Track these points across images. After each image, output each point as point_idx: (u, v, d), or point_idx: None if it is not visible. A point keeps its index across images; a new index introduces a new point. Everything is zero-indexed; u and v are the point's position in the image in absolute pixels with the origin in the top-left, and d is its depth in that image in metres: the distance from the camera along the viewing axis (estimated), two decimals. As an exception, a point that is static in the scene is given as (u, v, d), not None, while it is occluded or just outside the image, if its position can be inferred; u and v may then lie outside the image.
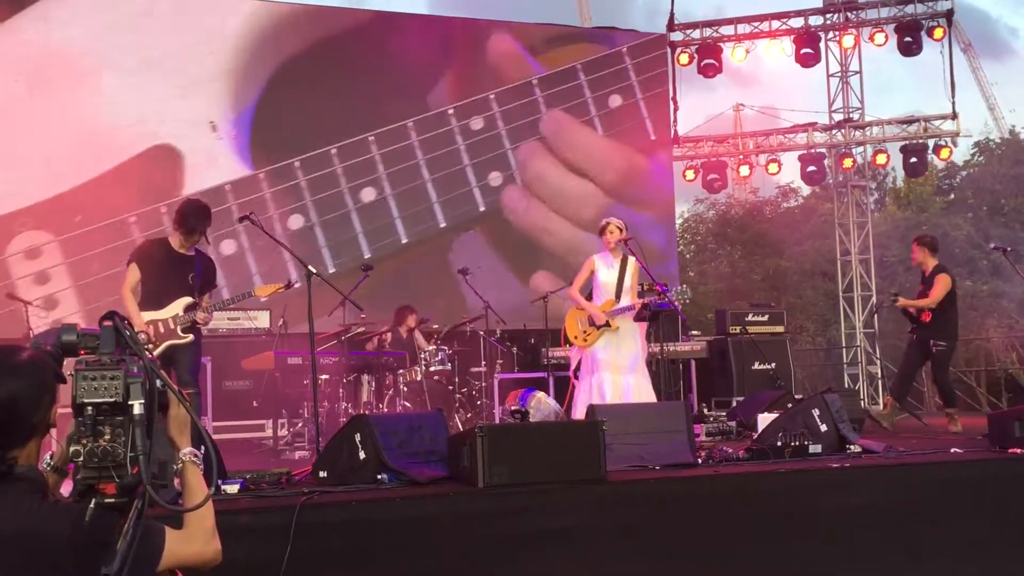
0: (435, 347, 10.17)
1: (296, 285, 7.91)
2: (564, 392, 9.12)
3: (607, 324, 8.35)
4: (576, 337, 8.45)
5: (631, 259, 8.60)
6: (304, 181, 11.94)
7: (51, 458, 2.50)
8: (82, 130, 11.08)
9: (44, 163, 10.89)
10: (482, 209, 12.96)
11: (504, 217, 13.21)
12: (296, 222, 11.86)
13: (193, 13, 11.88)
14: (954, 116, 16.16)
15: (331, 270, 11.82)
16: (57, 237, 10.81)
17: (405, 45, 13.02)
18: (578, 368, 8.59)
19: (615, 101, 14.76)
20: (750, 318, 13.06)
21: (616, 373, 8.30)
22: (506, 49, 13.78)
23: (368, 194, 12.24)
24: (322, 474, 6.04)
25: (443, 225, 12.49)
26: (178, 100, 11.61)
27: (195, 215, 7.16)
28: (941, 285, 9.70)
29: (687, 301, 9.24)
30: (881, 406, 9.24)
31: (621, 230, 8.52)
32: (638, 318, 8.86)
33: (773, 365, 12.28)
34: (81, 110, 11.15)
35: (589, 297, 8.66)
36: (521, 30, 14.41)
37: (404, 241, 12.44)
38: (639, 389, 8.34)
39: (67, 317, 10.30)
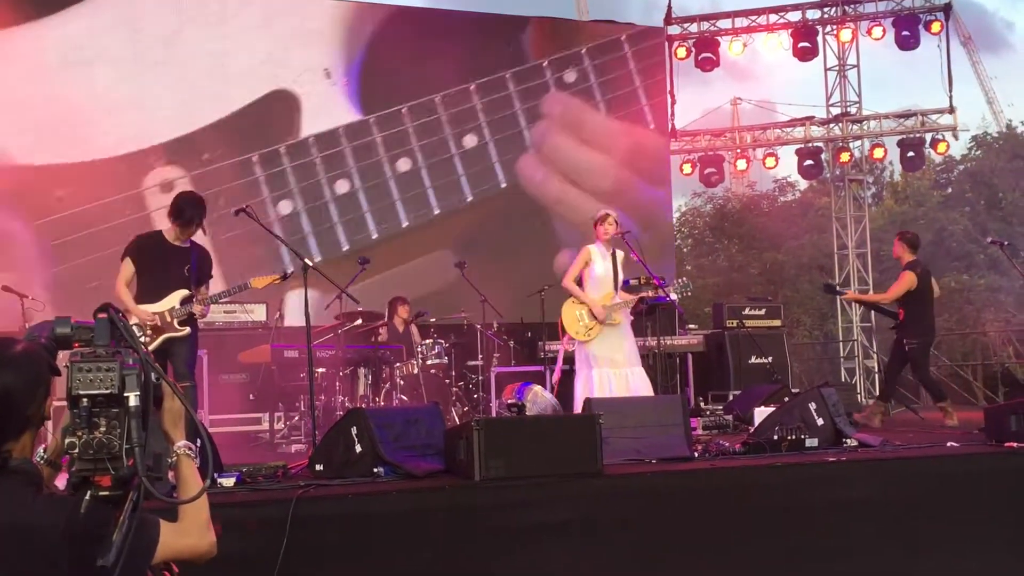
0: (432, 340, 10.17)
1: (290, 271, 7.90)
2: (561, 386, 9.12)
3: (610, 317, 8.30)
4: (577, 332, 8.36)
5: (618, 252, 8.57)
6: (411, 127, 12.79)
7: (44, 451, 2.49)
8: (210, 73, 12.05)
9: (177, 103, 11.84)
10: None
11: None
12: (404, 165, 12.78)
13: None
14: (951, 110, 16.16)
15: (435, 211, 12.90)
16: (188, 173, 11.71)
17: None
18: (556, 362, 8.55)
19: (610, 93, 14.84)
20: (747, 312, 13.06)
21: (620, 367, 8.27)
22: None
23: (470, 140, 13.18)
24: (318, 467, 6.04)
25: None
26: (297, 49, 12.60)
27: (192, 206, 7.13)
28: (902, 282, 9.71)
29: (688, 294, 9.21)
30: (864, 411, 9.25)
31: (618, 223, 8.49)
32: (635, 312, 8.85)
33: (770, 359, 12.28)
34: (210, 55, 12.09)
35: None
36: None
37: (503, 185, 13.48)
38: (643, 380, 8.33)
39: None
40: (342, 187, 12.49)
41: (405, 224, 12.73)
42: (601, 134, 14.45)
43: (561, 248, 13.62)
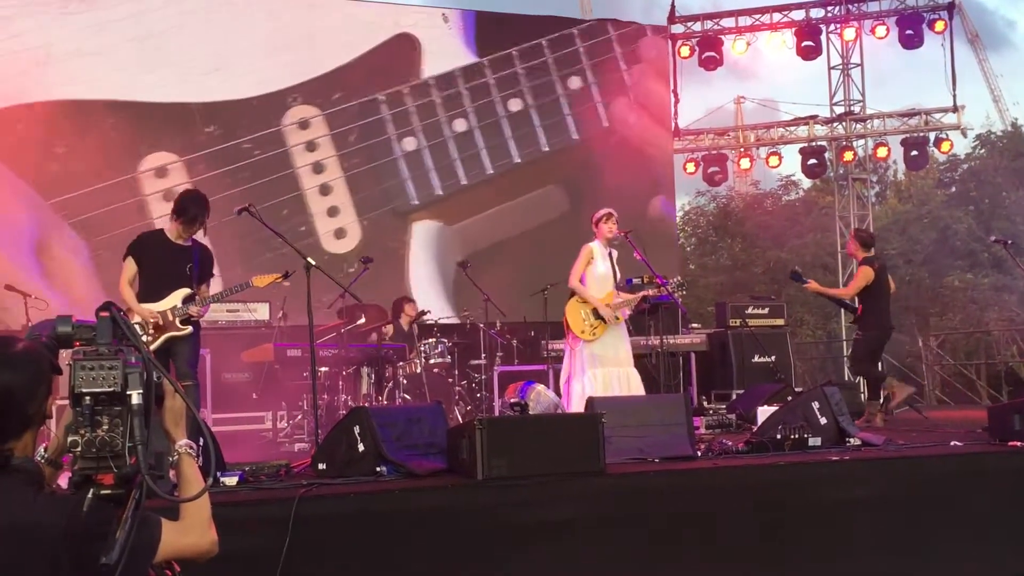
0: (435, 339, 10.17)
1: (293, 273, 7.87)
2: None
3: (615, 317, 8.30)
4: (583, 331, 8.36)
5: (614, 252, 8.58)
6: (520, 69, 13.56)
7: (45, 450, 2.49)
8: (339, 17, 12.89)
9: (310, 46, 12.63)
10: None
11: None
12: (515, 105, 13.54)
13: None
14: (955, 109, 16.15)
15: (544, 148, 13.67)
16: (321, 112, 12.50)
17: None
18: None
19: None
20: (750, 311, 13.06)
21: (620, 366, 8.27)
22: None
23: (574, 82, 13.96)
24: (321, 466, 6.04)
25: None
26: None
27: (196, 204, 7.12)
28: (858, 277, 9.76)
29: (683, 293, 9.22)
30: (864, 417, 9.23)
31: (619, 222, 8.49)
32: (638, 310, 8.85)
33: (773, 358, 12.28)
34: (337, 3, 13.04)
35: None
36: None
37: (605, 124, 14.28)
38: (638, 381, 8.34)
39: (333, 180, 12.51)
40: (460, 126, 13.20)
41: (517, 161, 13.41)
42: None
43: (657, 193, 14.89)
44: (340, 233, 12.43)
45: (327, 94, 12.53)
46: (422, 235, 12.67)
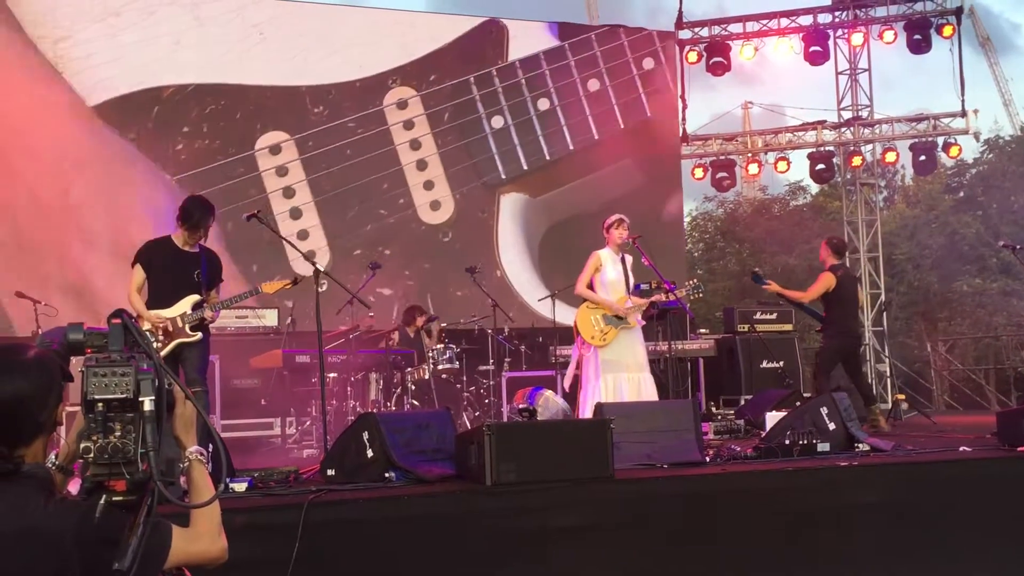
0: (443, 345, 10.18)
1: (302, 279, 7.87)
2: (572, 390, 9.11)
3: (625, 321, 8.28)
4: (593, 337, 8.34)
5: (628, 257, 8.57)
6: (599, 51, 14.51)
7: (56, 457, 2.50)
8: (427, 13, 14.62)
9: (406, 32, 13.71)
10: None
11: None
12: (594, 85, 14.41)
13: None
14: (964, 114, 16.13)
15: (621, 125, 14.55)
16: (418, 93, 13.58)
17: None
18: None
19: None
20: (758, 316, 13.05)
21: (633, 371, 8.25)
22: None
23: (649, 63, 14.93)
24: (330, 472, 6.05)
25: None
26: None
27: (200, 211, 7.14)
28: (819, 282, 9.74)
29: (699, 296, 9.21)
30: (868, 423, 9.18)
31: (629, 228, 8.49)
32: (646, 316, 8.83)
33: (781, 363, 12.27)
34: None
35: None
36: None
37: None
38: (652, 386, 8.32)
39: (429, 156, 13.54)
40: (543, 104, 14.07)
41: (597, 137, 14.34)
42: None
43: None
44: (435, 205, 13.47)
45: (423, 76, 13.61)
46: (509, 207, 13.69)
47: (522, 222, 13.83)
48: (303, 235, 12.39)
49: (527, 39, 14.05)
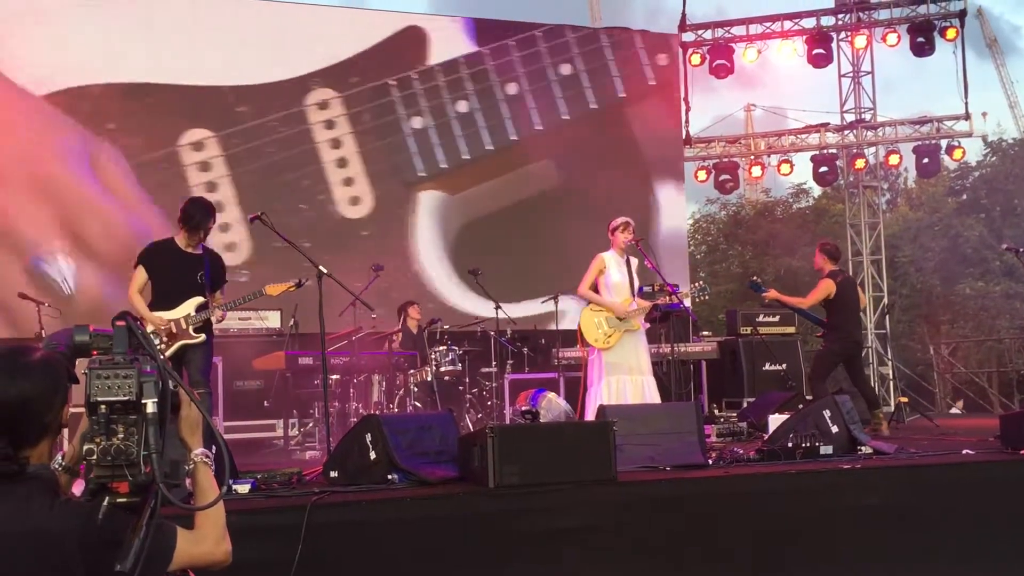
0: (445, 347, 10.19)
1: (307, 282, 7.86)
2: (574, 393, 9.11)
3: (629, 323, 8.28)
4: (597, 340, 8.33)
5: (633, 259, 8.57)
6: (516, 56, 14.69)
7: (62, 458, 2.51)
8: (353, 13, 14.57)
9: (329, 34, 13.85)
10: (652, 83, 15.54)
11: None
12: (512, 89, 14.57)
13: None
14: (967, 116, 16.12)
15: (538, 127, 14.61)
16: (340, 94, 13.74)
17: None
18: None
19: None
20: (761, 319, 13.05)
21: (636, 374, 8.25)
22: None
23: (566, 68, 14.88)
24: (333, 474, 6.05)
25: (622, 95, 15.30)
26: None
27: (200, 212, 7.16)
28: (819, 289, 9.71)
29: (705, 298, 9.22)
30: (870, 426, 9.16)
31: (634, 231, 8.48)
32: (649, 319, 8.83)
33: (784, 366, 12.27)
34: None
35: None
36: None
37: (593, 106, 15.06)
38: (655, 389, 8.32)
39: (349, 155, 13.64)
40: (462, 107, 14.38)
41: (513, 138, 14.52)
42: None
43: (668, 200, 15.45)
44: (355, 200, 13.69)
45: (344, 79, 13.75)
46: (426, 204, 13.97)
47: (439, 219, 14.12)
48: (224, 228, 12.53)
49: (448, 43, 14.34)
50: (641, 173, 15.02)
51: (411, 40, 14.20)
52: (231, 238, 12.71)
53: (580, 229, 12.93)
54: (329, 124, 13.67)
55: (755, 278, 10.61)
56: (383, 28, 14.14)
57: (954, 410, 13.99)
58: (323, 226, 13.09)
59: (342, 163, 13.63)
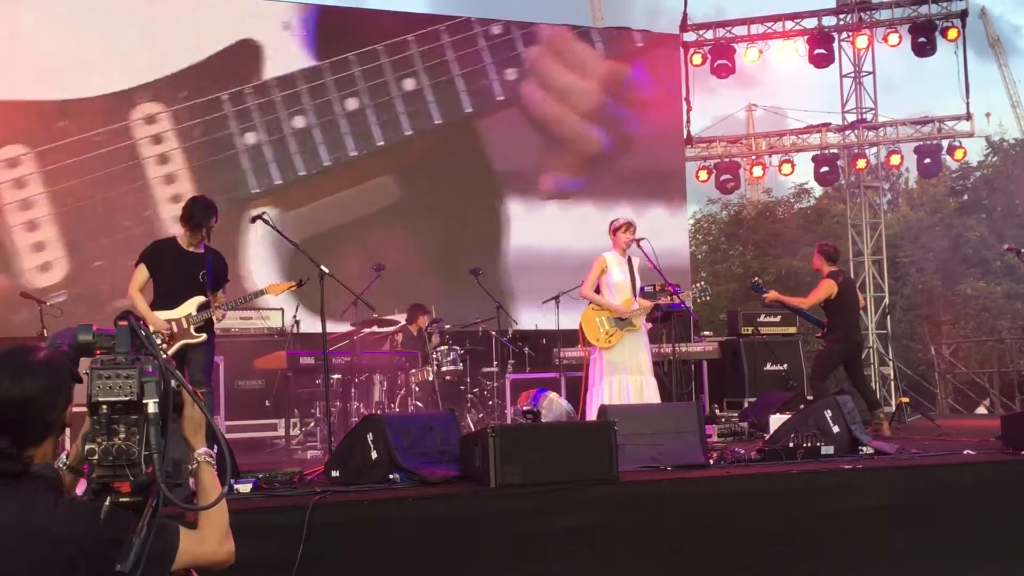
0: (447, 347, 10.19)
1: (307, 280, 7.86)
2: (576, 393, 9.11)
3: (631, 323, 8.29)
4: (598, 339, 8.35)
5: (634, 259, 8.58)
6: (358, 71, 14.15)
7: (67, 457, 2.51)
8: (186, 25, 13.42)
9: (157, 48, 13.18)
10: (500, 98, 14.89)
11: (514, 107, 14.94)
12: (352, 104, 14.06)
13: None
14: (968, 116, 16.12)
15: (379, 143, 14.13)
16: (168, 108, 13.13)
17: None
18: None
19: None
20: (762, 319, 13.04)
21: (637, 374, 8.26)
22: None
23: (408, 84, 14.37)
24: (334, 473, 6.06)
25: (469, 110, 14.72)
26: (261, 3, 14.03)
27: (201, 210, 7.17)
28: (820, 289, 9.77)
29: (707, 299, 9.23)
30: (871, 427, 9.15)
31: (635, 230, 8.49)
32: (651, 319, 8.83)
33: (785, 366, 12.26)
34: (188, 10, 13.51)
35: None
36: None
37: (437, 121, 14.51)
38: (655, 390, 8.33)
39: (177, 171, 13.10)
40: (299, 122, 13.78)
41: (353, 154, 13.97)
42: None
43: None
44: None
45: (174, 92, 13.16)
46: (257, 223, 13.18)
47: (273, 236, 12.92)
48: (39, 247, 12.14)
49: (283, 58, 13.77)
50: (489, 188, 14.72)
51: (245, 53, 13.67)
52: (47, 256, 12.23)
53: (424, 246, 13.02)
54: (156, 139, 13.10)
55: (756, 280, 10.63)
56: (216, 41, 13.46)
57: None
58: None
59: (170, 179, 13.03)
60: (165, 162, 13.05)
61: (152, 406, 2.25)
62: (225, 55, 13.48)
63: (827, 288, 9.64)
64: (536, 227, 14.62)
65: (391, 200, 13.84)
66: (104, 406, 2.23)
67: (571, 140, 14.89)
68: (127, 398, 2.23)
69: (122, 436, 2.25)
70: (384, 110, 14.16)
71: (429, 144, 14.24)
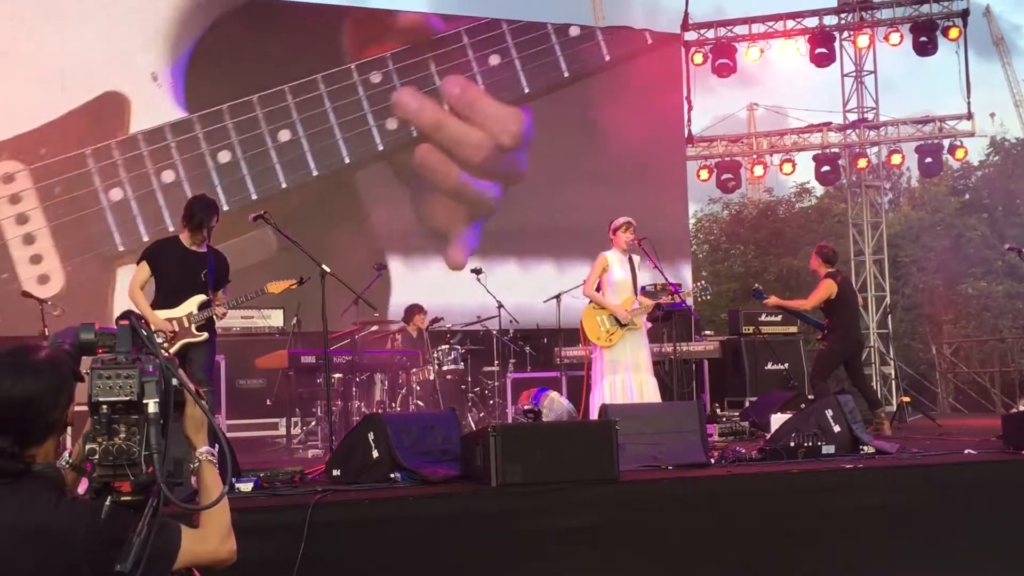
0: (448, 346, 10.19)
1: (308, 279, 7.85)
2: (577, 392, 9.11)
3: (632, 323, 8.30)
4: (599, 338, 8.36)
5: (635, 257, 8.59)
6: (231, 123, 13.66)
7: (70, 456, 2.51)
8: (46, 78, 12.84)
9: (15, 104, 12.60)
10: (380, 148, 14.47)
11: (401, 155, 14.60)
12: (224, 157, 13.57)
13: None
14: (969, 116, 16.12)
15: (253, 197, 13.60)
16: (28, 166, 12.64)
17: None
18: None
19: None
20: (763, 318, 13.04)
21: (638, 373, 8.27)
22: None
23: (284, 135, 13.88)
24: (335, 472, 6.06)
25: (347, 160, 14.25)
26: (129, 52, 13.36)
27: (202, 209, 7.17)
28: (820, 289, 9.82)
29: (707, 298, 9.24)
30: (872, 426, 9.14)
31: (636, 231, 8.50)
32: (651, 318, 8.84)
33: (786, 365, 12.26)
34: (47, 59, 12.92)
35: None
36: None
37: (315, 174, 14.09)
38: (654, 388, 8.34)
39: (37, 230, 12.63)
40: (168, 177, 13.28)
41: (226, 208, 13.05)
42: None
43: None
44: (43, 279, 12.58)
45: (33, 150, 12.67)
46: (125, 279, 11.62)
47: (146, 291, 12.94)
48: None
49: (149, 111, 13.19)
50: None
51: (110, 107, 13.10)
52: None
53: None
54: (14, 199, 12.60)
55: (757, 287, 10.63)
56: (77, 96, 12.86)
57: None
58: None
59: (29, 239, 12.59)
60: (24, 222, 12.63)
61: (152, 406, 2.25)
62: (89, 109, 12.97)
63: (827, 288, 9.66)
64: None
65: (270, 251, 12.57)
66: (104, 406, 2.23)
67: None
68: (127, 398, 2.23)
69: (122, 436, 2.25)
70: (258, 161, 13.73)
71: (306, 195, 13.85)
